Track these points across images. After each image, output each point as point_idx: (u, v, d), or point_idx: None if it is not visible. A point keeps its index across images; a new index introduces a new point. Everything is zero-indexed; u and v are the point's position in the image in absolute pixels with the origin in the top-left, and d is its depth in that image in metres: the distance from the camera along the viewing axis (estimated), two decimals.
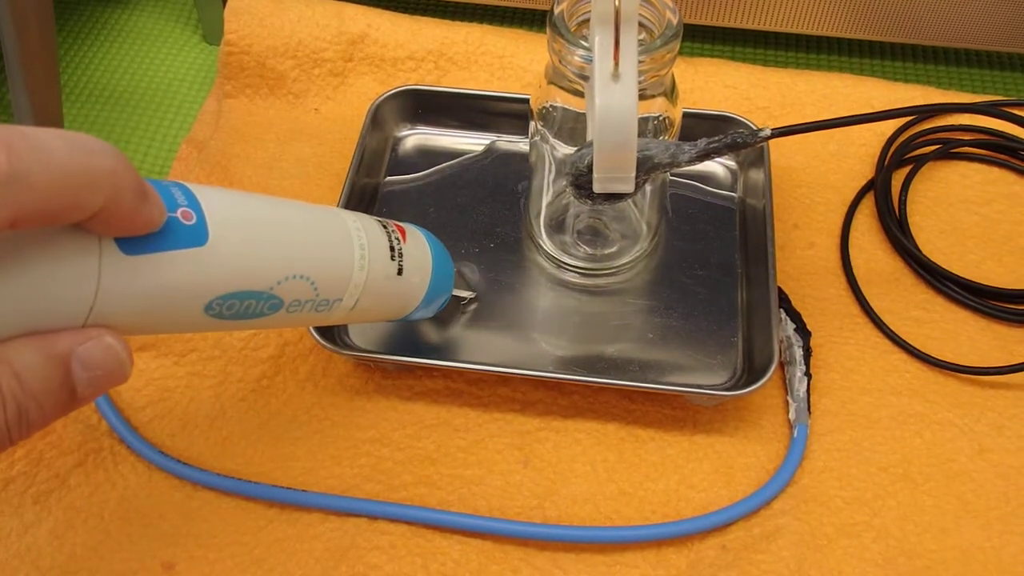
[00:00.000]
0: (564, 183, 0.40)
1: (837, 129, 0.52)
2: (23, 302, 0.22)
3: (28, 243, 0.22)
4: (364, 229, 0.35)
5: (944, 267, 0.48)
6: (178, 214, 0.26)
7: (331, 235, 0.33)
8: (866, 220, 0.51)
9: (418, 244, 0.39)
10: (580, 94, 0.39)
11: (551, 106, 0.41)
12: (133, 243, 0.24)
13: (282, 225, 0.31)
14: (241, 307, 0.29)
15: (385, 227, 0.37)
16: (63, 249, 0.23)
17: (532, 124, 0.43)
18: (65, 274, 0.23)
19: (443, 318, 0.45)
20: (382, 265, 0.36)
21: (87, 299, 0.23)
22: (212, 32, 0.65)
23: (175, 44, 0.65)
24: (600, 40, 0.35)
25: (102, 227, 0.23)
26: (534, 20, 0.66)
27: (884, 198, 0.51)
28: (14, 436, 0.23)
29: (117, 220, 0.23)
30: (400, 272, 0.37)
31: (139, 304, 0.25)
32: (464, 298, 0.46)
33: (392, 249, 0.37)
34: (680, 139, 0.39)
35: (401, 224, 0.39)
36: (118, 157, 0.23)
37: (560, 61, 0.38)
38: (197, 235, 0.26)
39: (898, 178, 0.52)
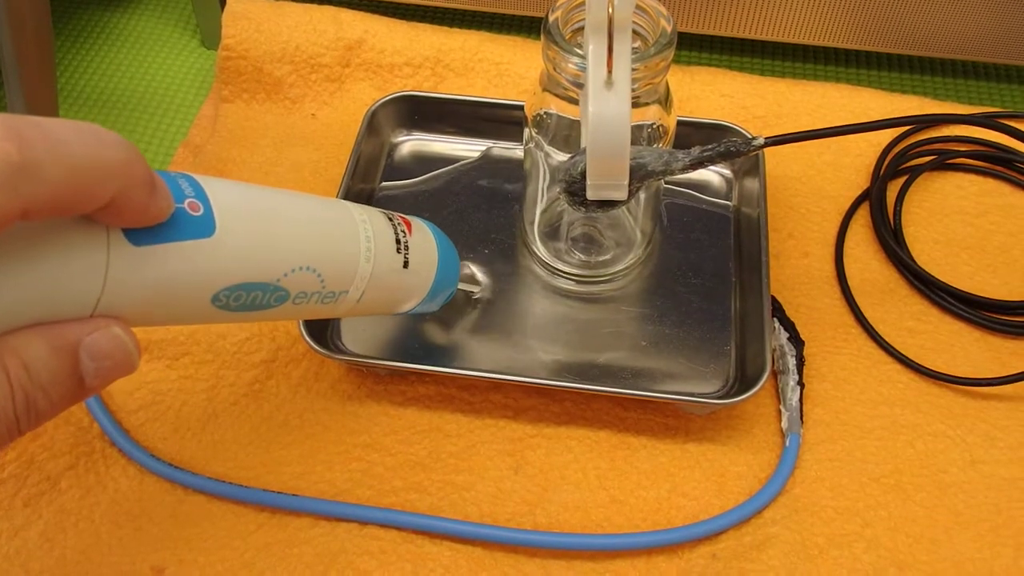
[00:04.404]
0: (558, 190, 0.40)
1: (833, 139, 0.53)
2: (31, 293, 0.22)
3: (36, 234, 0.22)
4: (370, 221, 0.35)
5: (938, 278, 0.48)
6: (185, 205, 0.26)
7: (337, 227, 0.33)
8: (861, 230, 0.51)
9: (424, 237, 0.39)
10: (575, 101, 0.39)
11: (545, 113, 0.41)
12: (141, 234, 0.24)
13: (289, 217, 0.31)
14: (248, 298, 0.29)
15: (391, 219, 0.37)
16: (71, 240, 0.23)
17: (527, 131, 0.43)
18: (73, 265, 0.23)
19: (437, 322, 0.45)
20: (388, 257, 0.36)
21: (95, 290, 0.23)
22: (210, 37, 0.65)
23: (173, 48, 0.66)
24: (594, 48, 0.35)
25: (111, 218, 0.23)
26: (532, 28, 0.67)
27: (879, 208, 0.51)
28: (23, 426, 0.23)
29: (127, 211, 0.23)
30: (406, 265, 0.37)
31: (146, 295, 0.25)
32: (472, 293, 0.46)
33: (398, 242, 0.36)
34: (675, 147, 0.39)
35: (407, 217, 0.39)
36: (130, 149, 0.23)
37: (554, 68, 0.38)
38: (204, 226, 0.26)
39: (893, 188, 0.52)
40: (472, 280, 0.46)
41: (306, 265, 0.31)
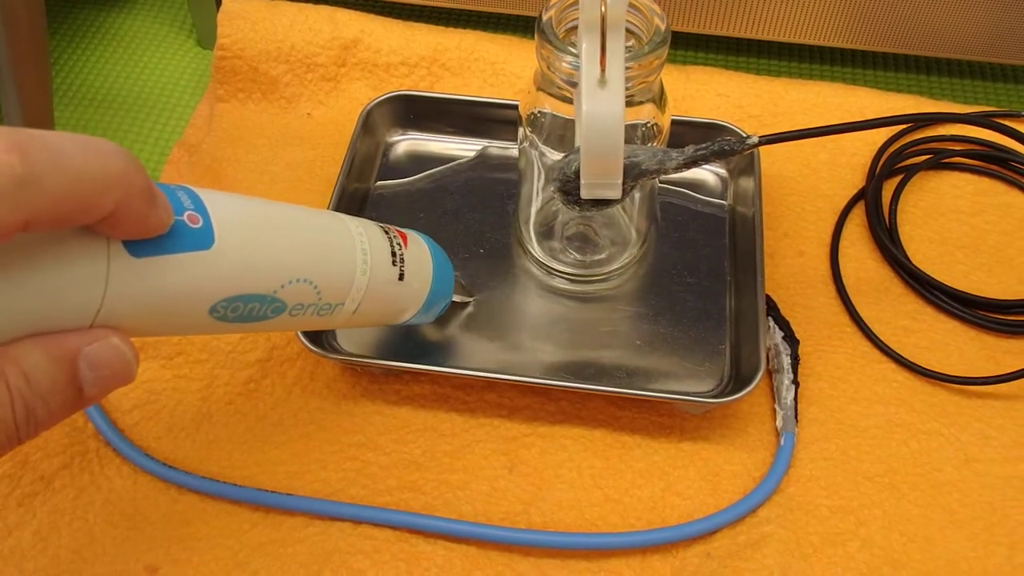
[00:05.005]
0: (552, 189, 0.40)
1: (829, 138, 0.53)
2: (32, 303, 0.22)
3: (37, 245, 0.22)
4: (367, 234, 0.36)
5: (933, 277, 0.48)
6: (184, 217, 0.26)
7: (334, 239, 0.34)
8: (856, 229, 0.51)
9: (419, 250, 0.39)
10: (569, 100, 0.39)
11: (540, 112, 0.41)
12: (140, 246, 0.24)
13: (286, 229, 0.31)
14: (245, 310, 0.29)
15: (387, 232, 0.37)
16: (72, 251, 0.23)
17: (521, 130, 0.43)
18: (74, 276, 0.23)
19: (432, 323, 0.45)
20: (384, 270, 0.36)
21: (95, 301, 0.24)
22: (206, 36, 0.65)
23: (169, 48, 0.66)
24: (587, 46, 0.35)
25: (111, 229, 0.23)
26: (528, 27, 0.67)
27: (875, 207, 0.51)
28: (22, 435, 0.24)
29: (127, 223, 0.23)
30: (401, 277, 0.37)
31: (145, 306, 0.25)
32: (464, 304, 0.46)
33: (394, 254, 0.37)
34: (669, 146, 0.39)
35: (403, 230, 0.39)
36: (129, 160, 0.23)
37: (548, 67, 0.38)
38: (203, 238, 0.26)
39: (889, 188, 0.52)
40: (466, 291, 0.46)
41: (303, 277, 0.31)
